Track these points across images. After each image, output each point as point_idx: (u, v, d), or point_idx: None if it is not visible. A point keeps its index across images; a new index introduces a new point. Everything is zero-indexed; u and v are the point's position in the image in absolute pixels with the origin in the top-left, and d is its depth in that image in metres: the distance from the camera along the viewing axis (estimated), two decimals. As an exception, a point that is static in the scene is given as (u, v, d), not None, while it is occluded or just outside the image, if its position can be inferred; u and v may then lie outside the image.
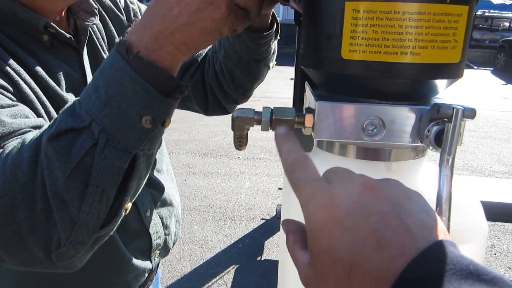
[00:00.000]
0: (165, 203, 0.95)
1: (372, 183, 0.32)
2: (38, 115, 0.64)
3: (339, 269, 0.29)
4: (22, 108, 0.60)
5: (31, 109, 0.63)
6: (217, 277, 2.71)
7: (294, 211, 0.40)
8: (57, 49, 0.74)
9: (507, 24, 14.64)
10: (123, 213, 0.54)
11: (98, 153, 0.47)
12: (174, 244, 1.02)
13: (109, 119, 0.47)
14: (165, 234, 0.95)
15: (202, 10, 0.45)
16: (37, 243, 0.50)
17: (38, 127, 0.57)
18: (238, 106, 0.99)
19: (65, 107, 0.51)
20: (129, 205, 0.55)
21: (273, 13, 0.75)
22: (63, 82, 0.72)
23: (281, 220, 0.41)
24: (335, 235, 0.30)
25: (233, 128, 0.49)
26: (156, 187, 0.93)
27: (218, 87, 0.92)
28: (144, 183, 0.56)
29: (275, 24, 0.78)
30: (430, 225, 0.30)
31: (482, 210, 0.48)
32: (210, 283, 2.65)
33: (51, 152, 0.47)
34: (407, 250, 0.27)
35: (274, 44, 0.84)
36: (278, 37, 0.83)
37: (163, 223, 0.94)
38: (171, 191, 0.98)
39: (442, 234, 0.29)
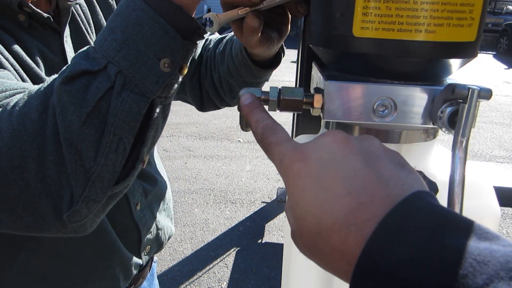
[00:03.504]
0: (157, 197, 0.92)
1: (343, 135, 0.32)
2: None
3: (311, 220, 0.29)
4: (7, 73, 0.56)
5: None
6: (218, 259, 2.73)
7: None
8: (36, 30, 0.69)
9: (510, 7, 14.47)
10: (140, 166, 0.51)
11: (115, 97, 0.45)
12: (168, 239, 0.98)
13: (127, 60, 0.45)
14: (157, 229, 0.91)
15: None
16: (47, 202, 0.47)
17: (27, 88, 0.54)
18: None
19: (78, 52, 0.48)
20: (146, 158, 0.52)
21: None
22: (41, 65, 0.68)
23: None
24: (306, 186, 0.30)
25: (239, 109, 0.48)
26: (147, 180, 0.89)
27: (214, 92, 0.89)
28: (159, 136, 0.53)
29: (282, 53, 0.76)
30: (403, 176, 0.29)
31: (495, 194, 0.47)
32: (211, 265, 2.67)
33: (65, 96, 0.45)
34: (378, 198, 0.27)
35: None
36: None
37: (154, 218, 0.90)
38: (163, 185, 0.95)
39: (418, 184, 0.29)
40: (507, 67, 10.07)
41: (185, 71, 0.50)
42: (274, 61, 0.77)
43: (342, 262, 0.28)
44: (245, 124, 0.49)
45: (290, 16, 0.61)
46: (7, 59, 0.61)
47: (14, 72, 0.61)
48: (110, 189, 0.48)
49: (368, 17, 0.40)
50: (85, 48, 0.48)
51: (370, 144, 0.32)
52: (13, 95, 0.51)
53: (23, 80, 0.63)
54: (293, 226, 0.32)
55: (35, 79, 0.65)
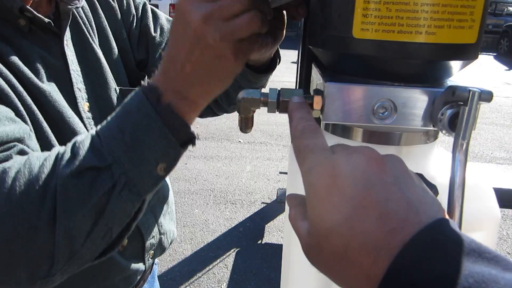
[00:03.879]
0: (159, 201, 0.91)
1: (377, 155, 0.32)
2: (15, 109, 0.61)
3: (336, 240, 0.29)
4: (0, 109, 0.57)
5: (6, 103, 0.60)
6: (218, 260, 2.73)
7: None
8: (36, 35, 0.69)
9: (511, 9, 14.46)
10: (118, 249, 0.56)
11: (115, 196, 0.48)
12: (171, 243, 0.97)
13: (131, 163, 0.48)
14: (160, 233, 0.91)
15: (212, 65, 0.46)
16: (25, 270, 0.49)
17: (20, 139, 0.56)
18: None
19: (85, 140, 0.50)
20: (125, 242, 0.55)
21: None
22: (42, 71, 0.68)
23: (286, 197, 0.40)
24: (335, 204, 0.29)
25: (238, 110, 0.48)
26: None
27: None
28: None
29: (278, 58, 0.76)
30: (429, 202, 0.29)
31: (495, 196, 0.46)
32: (211, 266, 2.67)
33: (72, 189, 0.47)
34: (409, 224, 0.27)
35: None
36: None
37: (157, 222, 0.90)
38: (166, 187, 0.95)
39: (441, 211, 0.29)
40: (507, 69, 10.07)
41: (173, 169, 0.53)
42: (270, 66, 0.76)
43: (366, 285, 0.27)
44: (244, 126, 0.49)
45: (286, 20, 0.61)
46: (3, 76, 0.61)
47: (9, 90, 0.61)
48: (86, 264, 0.52)
49: (368, 19, 0.40)
50: (90, 136, 0.50)
51: (399, 166, 0.32)
52: (5, 150, 0.53)
53: (18, 94, 0.62)
54: (311, 241, 0.31)
55: (32, 90, 0.65)
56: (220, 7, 0.44)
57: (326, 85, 0.43)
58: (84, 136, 0.51)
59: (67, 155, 0.49)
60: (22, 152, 0.54)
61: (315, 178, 0.31)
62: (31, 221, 0.48)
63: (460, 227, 0.36)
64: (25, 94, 0.63)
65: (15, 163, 0.50)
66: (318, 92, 0.45)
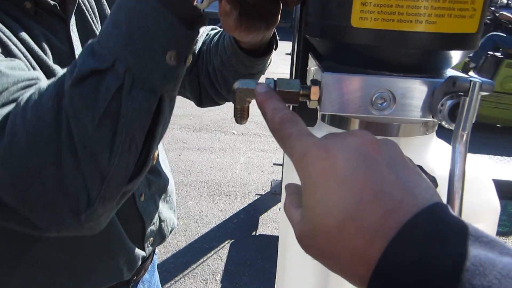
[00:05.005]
0: (160, 189, 0.92)
1: (371, 138, 0.31)
2: None
3: (331, 222, 0.28)
4: (18, 62, 0.55)
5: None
6: (212, 252, 2.73)
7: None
8: (42, 17, 0.68)
9: (504, 0, 14.49)
10: (151, 162, 0.51)
11: (125, 96, 0.44)
12: (171, 232, 0.98)
13: (134, 56, 0.44)
14: (160, 221, 0.92)
15: None
16: (65, 204, 0.47)
17: (38, 78, 0.53)
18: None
19: (82, 50, 0.47)
20: (156, 154, 0.51)
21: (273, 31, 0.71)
22: (49, 52, 0.67)
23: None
24: (330, 186, 0.29)
25: (233, 101, 0.47)
26: (152, 172, 0.89)
27: (210, 86, 0.89)
28: (166, 129, 0.53)
29: (275, 43, 0.75)
30: (425, 185, 0.29)
31: (494, 188, 0.46)
32: (205, 258, 2.67)
33: (77, 98, 0.44)
34: (405, 206, 0.27)
35: (271, 56, 0.80)
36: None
37: (158, 209, 0.90)
38: (166, 177, 0.95)
39: (437, 195, 0.29)
40: (500, 60, 10.10)
41: (190, 60, 0.49)
42: (266, 50, 0.76)
43: (362, 268, 0.27)
44: (240, 117, 0.48)
45: (281, 6, 0.60)
46: (15, 45, 0.60)
47: (25, 60, 0.60)
48: (124, 187, 0.49)
49: (367, 7, 0.39)
50: (89, 42, 0.47)
51: (394, 150, 0.32)
52: (25, 87, 0.50)
53: (32, 67, 0.62)
54: (305, 227, 0.31)
55: (43, 67, 0.64)
56: None
57: (323, 75, 0.42)
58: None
59: (70, 68, 0.46)
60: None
61: (309, 163, 0.31)
62: (52, 145, 0.45)
63: (460, 219, 0.35)
64: (37, 67, 0.63)
65: (26, 93, 0.48)
66: (315, 82, 0.44)
